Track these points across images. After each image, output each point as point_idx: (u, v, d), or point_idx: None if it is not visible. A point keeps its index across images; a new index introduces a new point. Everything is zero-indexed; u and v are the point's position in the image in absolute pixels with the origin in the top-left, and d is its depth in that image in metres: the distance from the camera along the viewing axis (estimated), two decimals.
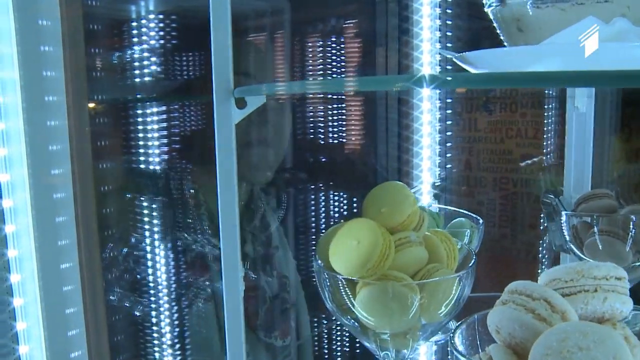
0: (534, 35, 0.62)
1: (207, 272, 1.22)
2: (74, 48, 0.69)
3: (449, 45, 1.47)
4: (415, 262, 0.64)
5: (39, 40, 0.64)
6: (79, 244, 0.71)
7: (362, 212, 0.67)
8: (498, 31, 0.67)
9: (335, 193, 1.61)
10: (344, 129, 1.62)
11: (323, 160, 1.64)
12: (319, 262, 0.66)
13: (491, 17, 0.67)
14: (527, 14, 0.62)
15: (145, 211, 1.13)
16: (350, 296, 0.62)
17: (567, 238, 0.76)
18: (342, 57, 1.55)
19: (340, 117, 1.59)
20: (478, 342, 0.55)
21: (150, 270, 1.14)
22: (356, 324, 0.66)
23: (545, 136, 1.82)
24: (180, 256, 1.19)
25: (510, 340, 0.50)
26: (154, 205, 1.14)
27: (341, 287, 0.62)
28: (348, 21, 1.56)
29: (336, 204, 1.61)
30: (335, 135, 1.60)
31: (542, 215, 1.62)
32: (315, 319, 1.52)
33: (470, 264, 0.65)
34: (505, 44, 0.66)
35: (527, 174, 1.82)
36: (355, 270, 0.60)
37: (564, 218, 0.77)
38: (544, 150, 1.80)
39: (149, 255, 1.14)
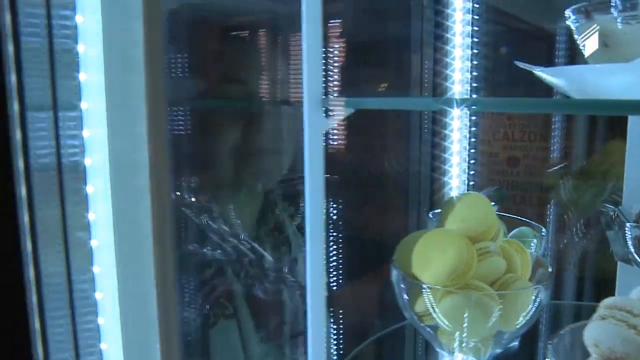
0: (621, 52, 0.62)
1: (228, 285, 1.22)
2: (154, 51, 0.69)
3: (475, 51, 1.48)
4: (494, 272, 0.65)
5: (125, 44, 0.64)
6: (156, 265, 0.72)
7: (440, 222, 0.68)
8: (579, 45, 0.68)
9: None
10: (374, 140, 1.62)
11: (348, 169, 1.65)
12: (398, 270, 0.67)
13: (573, 29, 0.68)
14: (616, 30, 0.62)
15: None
16: (433, 304, 0.63)
17: (632, 249, 0.77)
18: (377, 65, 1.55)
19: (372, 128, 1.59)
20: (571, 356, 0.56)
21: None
22: (431, 330, 0.67)
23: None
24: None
25: (610, 355, 0.51)
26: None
27: (425, 295, 0.63)
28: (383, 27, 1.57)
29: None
30: (365, 146, 1.61)
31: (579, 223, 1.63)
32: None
33: (547, 275, 0.66)
34: (588, 59, 0.67)
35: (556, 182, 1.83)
36: (441, 279, 0.61)
37: (627, 229, 0.78)
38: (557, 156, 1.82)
39: None
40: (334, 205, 1.49)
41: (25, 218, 0.65)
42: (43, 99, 0.62)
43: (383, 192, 1.64)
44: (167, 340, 0.68)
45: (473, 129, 1.46)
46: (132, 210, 0.63)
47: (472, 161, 1.48)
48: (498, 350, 0.68)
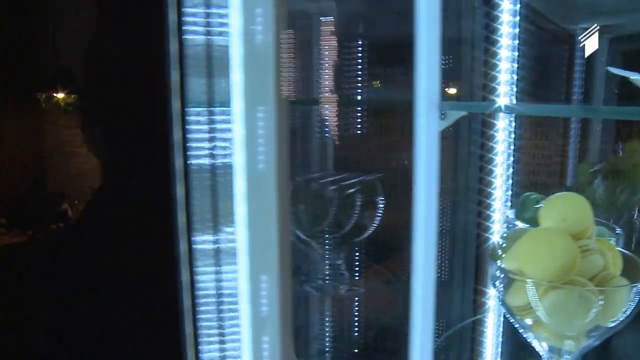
0: None
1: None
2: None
3: (515, 53, 1.50)
4: (593, 269, 0.68)
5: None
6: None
7: (538, 221, 0.71)
8: None
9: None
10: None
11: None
12: (497, 264, 0.70)
13: None
14: None
15: None
16: (536, 298, 0.66)
17: None
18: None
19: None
20: None
21: None
22: (528, 323, 0.71)
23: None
24: None
25: None
26: None
27: (529, 290, 0.66)
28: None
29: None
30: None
31: None
32: None
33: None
34: None
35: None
36: (550, 274, 0.64)
37: None
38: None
39: None
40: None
41: (182, 217, 0.67)
42: (200, 97, 0.64)
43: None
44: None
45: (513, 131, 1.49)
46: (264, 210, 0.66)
47: (513, 163, 1.51)
48: (592, 344, 0.71)
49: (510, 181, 1.46)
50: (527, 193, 1.02)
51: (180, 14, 0.64)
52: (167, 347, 0.89)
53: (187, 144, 0.71)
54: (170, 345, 0.85)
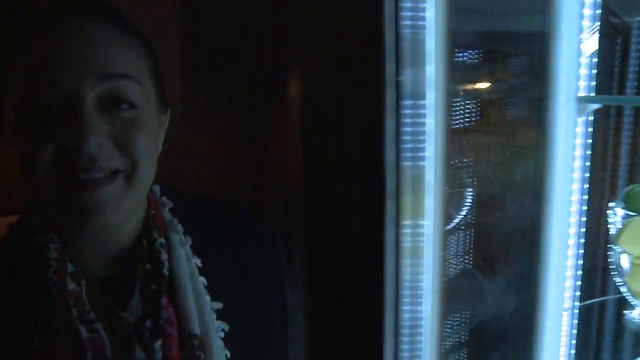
0: None
1: None
2: None
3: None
4: None
5: None
6: None
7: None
8: None
9: None
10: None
11: None
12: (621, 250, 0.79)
13: None
14: None
15: None
16: None
17: None
18: None
19: None
20: None
21: None
22: None
23: None
24: None
25: None
26: None
27: None
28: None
29: None
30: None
31: None
32: None
33: None
34: None
35: None
36: None
37: None
38: None
39: None
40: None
41: (392, 209, 0.72)
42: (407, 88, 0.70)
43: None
44: None
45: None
46: None
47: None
48: None
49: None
50: (632, 185, 1.03)
51: (397, 7, 0.69)
52: (368, 335, 0.93)
53: (400, 137, 0.76)
54: (372, 335, 0.89)
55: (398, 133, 0.77)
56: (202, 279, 0.67)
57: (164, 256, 0.65)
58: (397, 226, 0.82)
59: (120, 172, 0.59)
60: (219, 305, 0.67)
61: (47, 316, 0.60)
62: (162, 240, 0.66)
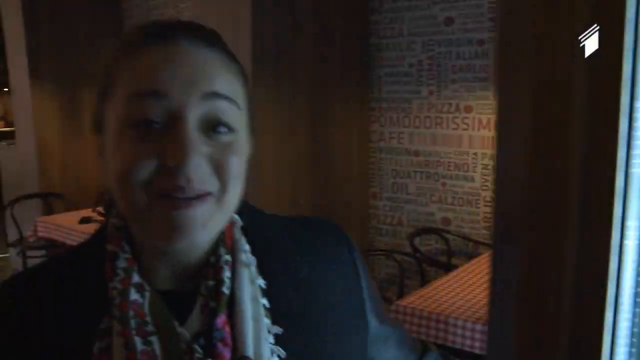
0: None
1: None
2: None
3: None
4: None
5: None
6: None
7: None
8: None
9: None
10: None
11: None
12: None
13: None
14: None
15: None
16: None
17: None
18: None
19: None
20: None
21: None
22: None
23: None
24: None
25: None
26: None
27: None
28: None
29: None
30: None
31: None
32: None
33: None
34: None
35: None
36: None
37: None
38: None
39: None
40: None
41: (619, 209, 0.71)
42: None
43: None
44: None
45: None
46: None
47: None
48: None
49: None
50: None
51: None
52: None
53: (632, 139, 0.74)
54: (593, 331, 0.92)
55: (630, 135, 0.76)
56: (264, 301, 0.66)
57: (227, 274, 0.64)
58: (623, 227, 0.81)
59: (211, 194, 0.59)
60: (278, 330, 0.65)
61: (107, 324, 0.61)
62: (228, 257, 0.66)
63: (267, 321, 0.64)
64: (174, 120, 0.57)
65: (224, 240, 0.67)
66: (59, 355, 0.61)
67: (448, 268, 3.38)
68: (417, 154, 3.88)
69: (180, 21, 0.63)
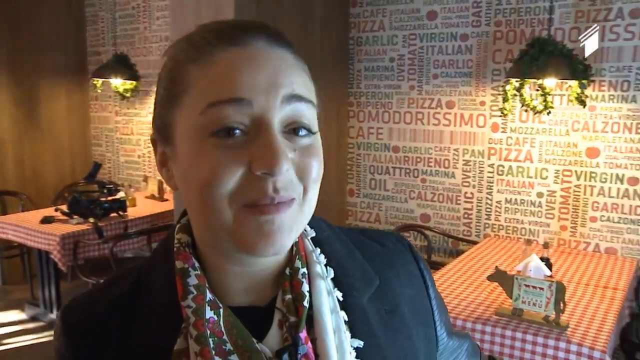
0: None
1: None
2: None
3: None
4: None
5: None
6: None
7: None
8: None
9: None
10: None
11: None
12: None
13: None
14: None
15: None
16: None
17: None
18: None
19: None
20: None
21: None
22: None
23: None
24: None
25: None
26: None
27: None
28: None
29: None
30: None
31: None
32: None
33: None
34: None
35: None
36: None
37: None
38: None
39: None
40: None
41: None
42: None
43: None
44: None
45: None
46: None
47: None
48: None
49: None
50: None
51: None
52: None
53: None
54: None
55: None
56: (343, 314, 0.63)
57: (306, 287, 0.62)
58: None
59: (294, 199, 0.57)
60: (359, 343, 0.63)
61: (182, 345, 0.58)
62: (305, 270, 0.63)
63: (347, 334, 0.62)
64: (259, 126, 0.55)
65: (299, 251, 0.65)
66: None
67: (429, 265, 3.33)
68: (396, 149, 3.82)
69: (249, 22, 0.60)
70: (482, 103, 3.46)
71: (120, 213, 3.77)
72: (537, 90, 3.01)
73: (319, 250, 0.67)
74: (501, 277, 2.27)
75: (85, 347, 0.63)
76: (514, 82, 2.92)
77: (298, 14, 3.32)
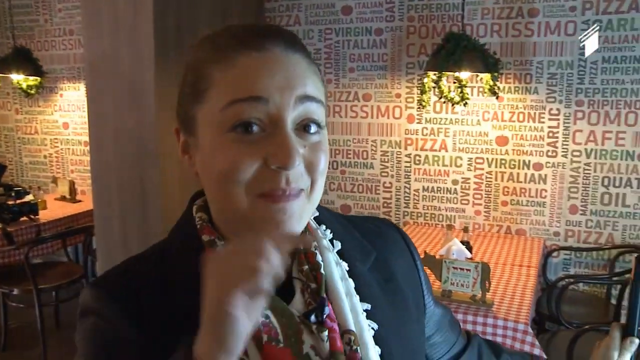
0: None
1: None
2: None
3: None
4: None
5: None
6: None
7: None
8: None
9: None
10: None
11: None
12: None
13: None
14: None
15: None
16: None
17: None
18: None
19: None
20: None
21: None
22: None
23: None
24: None
25: None
26: None
27: None
28: None
29: None
30: None
31: None
32: None
33: None
34: None
35: None
36: None
37: None
38: None
39: None
40: None
41: None
42: None
43: None
44: None
45: None
46: None
47: None
48: None
49: None
50: None
51: None
52: None
53: None
54: None
55: None
56: (351, 281, 0.71)
57: (319, 257, 0.69)
58: None
59: (303, 190, 0.64)
60: (367, 305, 0.70)
61: None
62: (315, 243, 0.71)
63: (357, 298, 0.70)
64: (274, 123, 0.61)
65: (308, 228, 0.73)
66: (185, 337, 0.60)
67: None
68: None
69: (268, 27, 0.66)
70: (398, 95, 3.59)
71: (32, 217, 3.56)
72: (454, 82, 3.16)
73: (324, 226, 0.75)
74: (430, 262, 2.39)
75: (126, 313, 0.65)
76: (432, 75, 3.06)
77: (214, 9, 3.29)
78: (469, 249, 2.82)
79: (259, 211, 0.62)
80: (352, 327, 0.66)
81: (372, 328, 0.69)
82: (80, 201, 4.10)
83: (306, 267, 0.69)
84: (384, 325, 0.70)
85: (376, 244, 0.78)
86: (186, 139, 0.68)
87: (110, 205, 2.85)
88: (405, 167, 3.64)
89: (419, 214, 3.65)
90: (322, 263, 0.69)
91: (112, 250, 2.87)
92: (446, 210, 3.58)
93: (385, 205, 3.74)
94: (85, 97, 2.94)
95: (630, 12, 3.08)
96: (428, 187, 3.60)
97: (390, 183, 3.70)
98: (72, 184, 4.13)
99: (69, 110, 4.50)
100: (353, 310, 0.68)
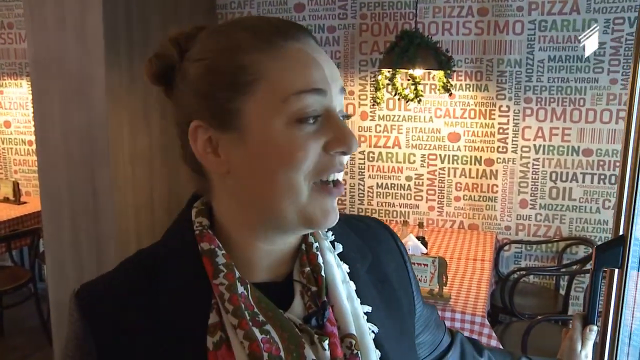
0: None
1: None
2: None
3: None
4: None
5: None
6: None
7: None
8: None
9: None
10: None
11: None
12: None
13: None
14: None
15: None
16: None
17: None
18: None
19: None
20: None
21: None
22: None
23: None
24: None
25: None
26: None
27: None
28: None
29: None
30: None
31: None
32: None
33: None
34: None
35: None
36: None
37: None
38: None
39: None
40: None
41: None
42: None
43: None
44: None
45: None
46: None
47: None
48: None
49: None
50: None
51: None
52: None
53: None
54: None
55: None
56: (352, 284, 0.70)
57: (321, 259, 0.69)
58: None
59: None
60: (367, 308, 0.70)
61: (215, 319, 0.62)
62: (317, 244, 0.70)
63: (358, 301, 0.69)
64: (328, 114, 0.62)
65: None
66: (173, 351, 0.61)
67: None
68: None
69: (293, 22, 0.66)
70: (351, 93, 3.60)
71: None
72: (409, 80, 3.20)
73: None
74: None
75: (107, 328, 0.63)
76: (386, 72, 3.08)
77: (165, 5, 3.21)
78: (425, 244, 2.86)
79: (315, 203, 0.62)
80: (353, 331, 0.66)
81: (373, 331, 0.68)
82: (25, 203, 3.94)
83: (307, 268, 0.68)
84: (382, 328, 0.70)
85: (371, 244, 0.78)
86: (213, 136, 0.64)
87: (60, 206, 2.75)
88: (359, 164, 3.65)
89: (374, 211, 3.67)
90: (322, 265, 0.68)
91: (62, 252, 2.77)
92: (400, 207, 3.62)
93: (339, 202, 3.74)
94: (30, 95, 2.82)
95: (572, 14, 3.19)
96: (382, 183, 3.63)
97: (344, 180, 3.70)
98: (16, 185, 3.97)
99: (10, 109, 4.32)
100: (354, 314, 0.67)
